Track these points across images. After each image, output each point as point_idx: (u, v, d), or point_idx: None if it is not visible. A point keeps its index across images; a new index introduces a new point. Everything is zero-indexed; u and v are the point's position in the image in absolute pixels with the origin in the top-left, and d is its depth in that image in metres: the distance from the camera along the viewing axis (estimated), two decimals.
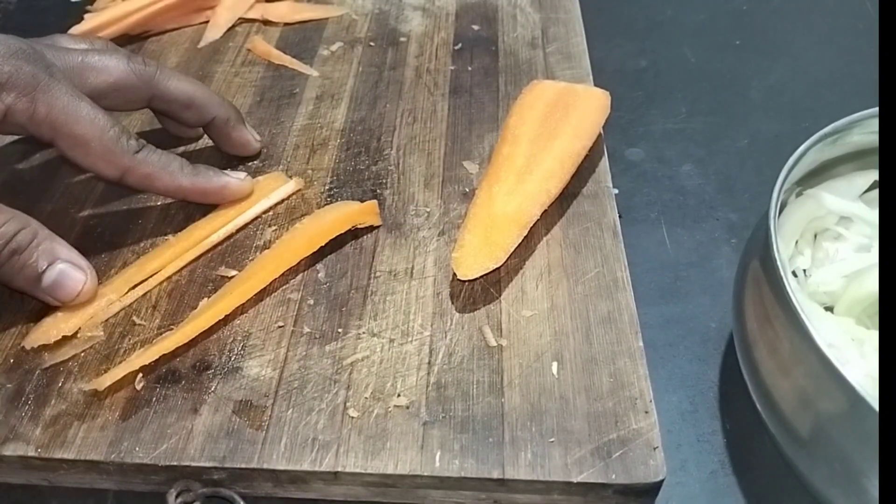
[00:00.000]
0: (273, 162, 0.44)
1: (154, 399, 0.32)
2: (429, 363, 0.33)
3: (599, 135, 0.42)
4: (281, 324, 0.35)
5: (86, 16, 0.54)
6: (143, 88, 0.39)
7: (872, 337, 0.31)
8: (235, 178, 0.40)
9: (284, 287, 0.37)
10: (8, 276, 0.34)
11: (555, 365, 0.33)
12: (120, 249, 0.39)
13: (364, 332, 0.34)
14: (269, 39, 0.54)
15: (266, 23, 0.55)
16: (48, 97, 0.34)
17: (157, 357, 0.33)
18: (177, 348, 0.33)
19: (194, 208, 0.40)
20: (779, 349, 0.29)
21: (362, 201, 0.40)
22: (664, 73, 0.54)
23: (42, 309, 0.36)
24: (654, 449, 0.30)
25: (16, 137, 0.45)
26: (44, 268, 0.34)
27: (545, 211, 0.38)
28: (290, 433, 0.31)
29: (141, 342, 0.34)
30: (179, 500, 0.30)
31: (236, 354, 0.34)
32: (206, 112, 0.41)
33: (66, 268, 0.34)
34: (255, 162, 0.44)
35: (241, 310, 0.35)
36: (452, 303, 0.35)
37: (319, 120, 0.47)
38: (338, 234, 0.38)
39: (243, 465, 0.30)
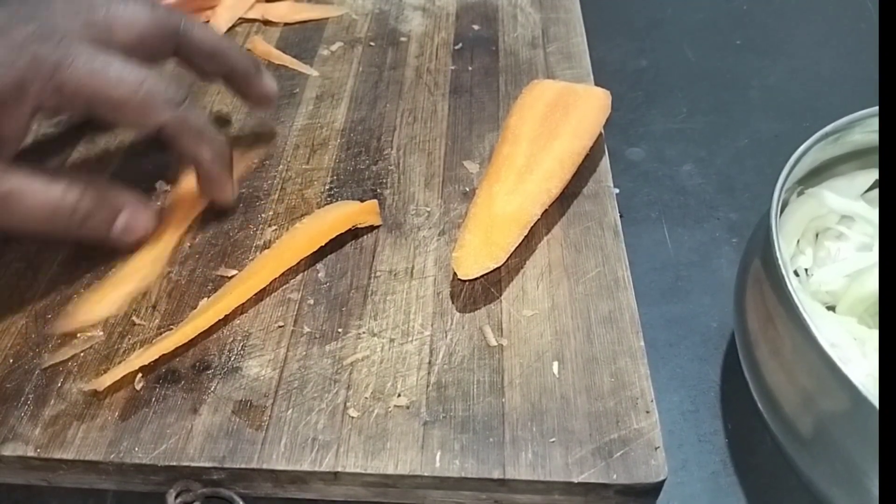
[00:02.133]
0: (273, 162, 0.44)
1: (153, 399, 0.32)
2: (429, 363, 0.33)
3: (600, 134, 0.42)
4: (281, 324, 0.35)
5: None
6: (169, 38, 0.38)
7: (874, 336, 0.31)
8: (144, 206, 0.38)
9: (284, 287, 0.36)
10: (80, 236, 0.35)
11: (556, 364, 0.33)
12: (120, 249, 0.39)
13: (364, 332, 0.34)
14: (269, 39, 0.53)
15: (266, 23, 0.55)
16: (72, 72, 0.32)
17: (156, 357, 0.33)
18: (176, 348, 0.33)
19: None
20: (780, 349, 0.28)
21: (362, 201, 0.40)
22: (664, 73, 0.54)
23: (42, 308, 0.35)
24: (656, 449, 0.29)
25: None
26: (112, 220, 0.36)
27: (546, 210, 0.38)
28: (290, 433, 0.31)
29: (141, 342, 0.34)
30: (179, 500, 0.30)
31: (236, 354, 0.34)
32: (229, 62, 0.41)
33: (131, 212, 0.36)
34: (255, 162, 0.44)
35: (241, 310, 0.35)
36: (453, 302, 0.35)
37: (319, 120, 0.47)
38: (338, 233, 0.38)
39: (243, 466, 0.30)
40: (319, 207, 0.40)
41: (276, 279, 0.37)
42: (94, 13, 0.35)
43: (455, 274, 0.35)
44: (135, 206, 0.37)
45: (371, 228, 0.39)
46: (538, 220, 0.37)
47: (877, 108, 0.33)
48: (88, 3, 0.36)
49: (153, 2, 0.38)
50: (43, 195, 0.33)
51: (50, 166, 0.42)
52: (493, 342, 0.34)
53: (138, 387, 0.32)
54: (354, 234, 0.39)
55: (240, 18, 0.55)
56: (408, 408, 0.31)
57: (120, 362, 0.33)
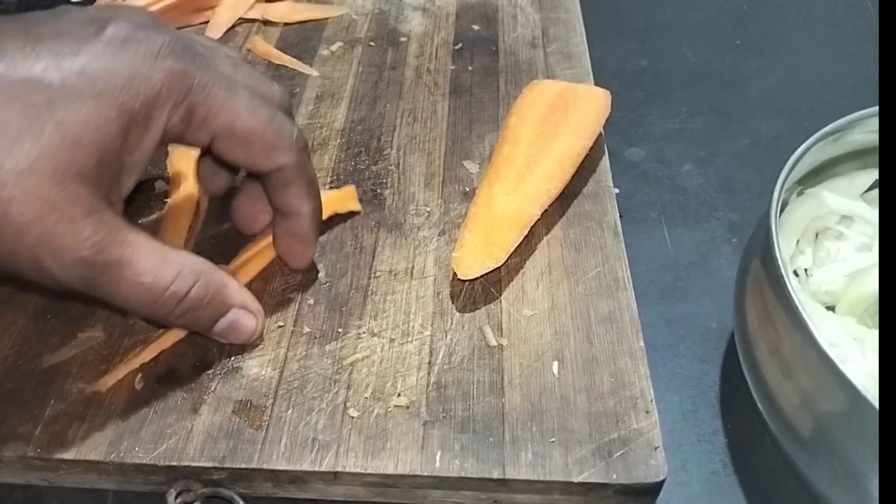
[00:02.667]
0: None
1: (154, 399, 0.32)
2: (429, 363, 0.33)
3: (600, 134, 0.42)
4: (281, 324, 0.35)
5: None
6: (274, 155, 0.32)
7: (874, 336, 0.31)
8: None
9: (284, 287, 0.37)
10: (179, 325, 0.33)
11: (555, 364, 0.33)
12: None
13: (364, 332, 0.34)
14: (269, 39, 0.53)
15: (266, 23, 0.55)
16: (205, 96, 0.29)
17: (156, 353, 0.33)
18: (175, 344, 0.33)
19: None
20: (780, 349, 0.28)
21: (362, 201, 0.40)
22: (664, 73, 0.54)
23: (42, 309, 0.36)
24: (655, 449, 0.30)
25: None
26: (218, 319, 0.32)
27: (546, 210, 0.38)
28: (290, 433, 0.31)
29: (141, 342, 0.34)
30: (179, 500, 0.30)
31: (236, 354, 0.34)
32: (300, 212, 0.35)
33: (237, 317, 0.32)
34: None
35: None
36: (453, 302, 0.35)
37: (319, 120, 0.47)
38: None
39: (243, 465, 0.30)
40: None
41: (276, 279, 0.37)
42: (230, 53, 0.32)
43: (455, 274, 0.35)
44: (244, 307, 0.33)
45: (371, 228, 0.39)
46: (538, 220, 0.37)
47: (877, 108, 0.33)
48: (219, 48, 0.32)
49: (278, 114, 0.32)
50: (151, 275, 0.28)
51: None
52: (493, 342, 0.34)
53: (138, 387, 0.32)
54: (354, 234, 0.39)
55: (240, 18, 0.55)
56: (408, 408, 0.31)
57: (120, 362, 0.33)
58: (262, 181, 0.34)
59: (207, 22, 0.55)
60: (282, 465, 0.30)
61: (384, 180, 0.42)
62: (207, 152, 0.33)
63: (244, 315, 0.33)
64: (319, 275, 0.37)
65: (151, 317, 0.31)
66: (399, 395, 0.32)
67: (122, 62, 0.27)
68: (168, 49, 0.28)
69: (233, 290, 0.32)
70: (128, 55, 0.27)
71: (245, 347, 0.34)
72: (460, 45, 0.52)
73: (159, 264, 0.29)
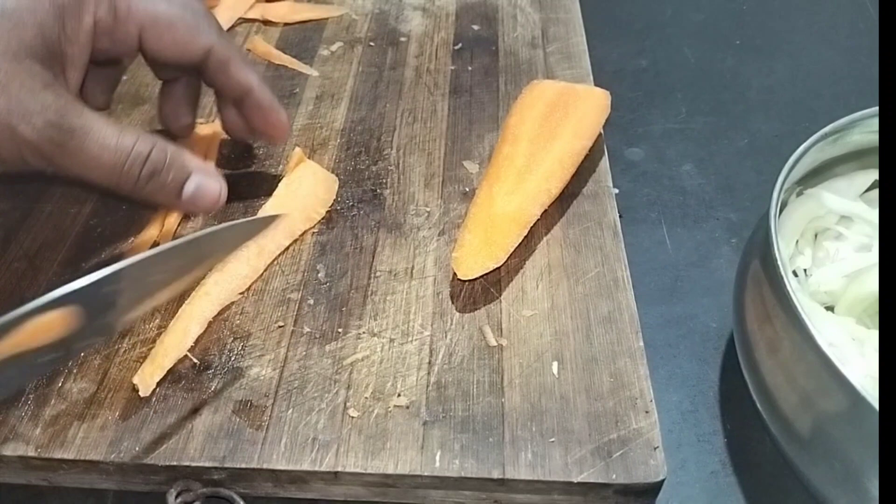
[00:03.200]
0: (273, 162, 0.44)
1: (154, 399, 0.32)
2: (429, 363, 0.33)
3: (599, 134, 0.42)
4: (281, 324, 0.35)
5: None
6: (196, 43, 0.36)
7: (873, 336, 0.31)
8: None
9: (284, 287, 0.37)
10: (149, 195, 0.34)
11: (555, 365, 0.33)
12: (120, 249, 0.39)
13: (364, 332, 0.34)
14: (269, 39, 0.53)
15: (266, 23, 0.55)
16: None
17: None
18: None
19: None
20: (779, 349, 0.29)
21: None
22: (664, 73, 0.54)
23: None
24: (655, 449, 0.30)
25: None
26: (182, 183, 0.34)
27: (545, 211, 0.38)
28: (290, 433, 0.31)
29: (141, 342, 0.34)
30: (179, 500, 0.30)
31: (236, 354, 0.34)
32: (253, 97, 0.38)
33: (201, 180, 0.34)
34: (255, 164, 0.44)
35: (241, 310, 0.35)
36: (453, 302, 0.35)
37: (319, 120, 0.47)
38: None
39: (243, 465, 0.30)
40: None
41: (276, 279, 0.37)
42: None
43: (455, 274, 0.35)
44: (207, 172, 0.34)
45: (371, 228, 0.39)
46: (538, 220, 0.37)
47: (877, 108, 0.33)
48: None
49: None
50: (114, 140, 0.31)
51: None
52: (493, 342, 0.34)
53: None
54: (354, 234, 0.39)
55: (240, 18, 0.55)
56: (408, 408, 0.31)
57: (120, 362, 0.33)
58: (203, 75, 0.37)
59: None
60: (282, 465, 0.30)
61: (384, 180, 0.42)
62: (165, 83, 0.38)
63: (207, 179, 0.34)
64: (319, 275, 0.37)
65: (120, 188, 0.32)
66: (399, 395, 0.32)
67: None
68: None
69: (190, 156, 0.34)
70: None
71: (245, 347, 0.34)
72: (460, 45, 0.52)
73: (119, 132, 0.31)
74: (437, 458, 0.30)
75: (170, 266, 0.29)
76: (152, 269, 0.28)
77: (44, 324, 0.25)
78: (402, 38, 0.53)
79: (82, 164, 0.31)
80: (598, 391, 0.32)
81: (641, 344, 0.33)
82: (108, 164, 0.31)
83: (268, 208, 0.40)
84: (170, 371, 0.33)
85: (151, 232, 0.39)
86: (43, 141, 0.30)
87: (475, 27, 0.54)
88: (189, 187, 0.34)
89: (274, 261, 0.38)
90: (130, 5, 0.34)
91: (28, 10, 0.30)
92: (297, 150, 0.41)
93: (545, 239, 0.38)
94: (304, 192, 0.40)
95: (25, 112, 0.29)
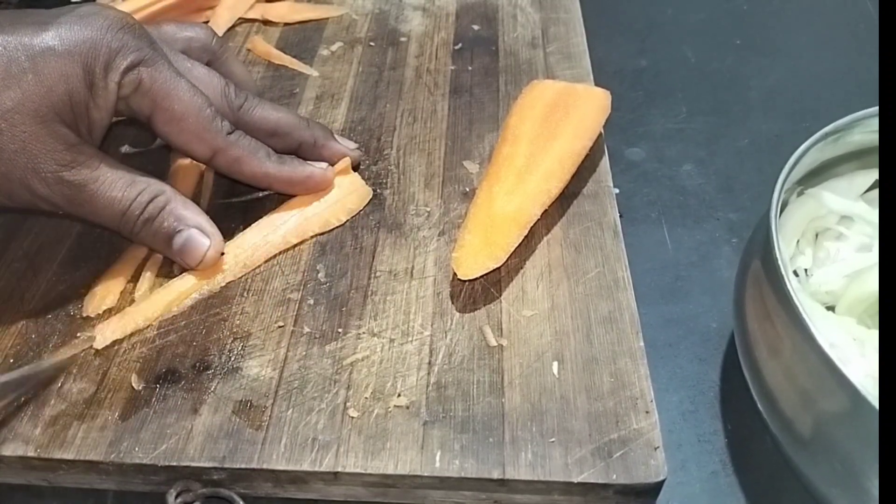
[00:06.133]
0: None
1: (154, 399, 0.32)
2: (429, 363, 0.33)
3: (600, 134, 0.42)
4: (281, 324, 0.35)
5: None
6: (228, 115, 0.38)
7: (874, 336, 0.31)
8: (319, 169, 0.40)
9: (285, 287, 0.37)
10: (143, 241, 0.36)
11: (555, 365, 0.33)
12: (120, 249, 0.39)
13: (364, 332, 0.34)
14: (269, 39, 0.53)
15: (266, 23, 0.55)
16: (152, 70, 0.34)
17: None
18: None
19: None
20: (780, 349, 0.28)
21: None
22: (664, 73, 0.54)
23: (42, 309, 0.36)
24: (655, 449, 0.30)
25: None
26: (173, 234, 0.36)
27: (545, 211, 0.38)
28: (290, 433, 0.31)
29: (141, 342, 0.34)
30: (179, 500, 0.30)
31: (236, 354, 0.34)
32: (292, 139, 0.40)
33: (192, 234, 0.36)
34: None
35: (241, 310, 0.35)
36: (453, 303, 0.35)
37: (319, 120, 0.46)
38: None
39: (243, 466, 0.30)
40: None
41: (276, 279, 0.37)
42: (176, 64, 0.36)
43: (455, 274, 0.35)
44: (199, 228, 0.36)
45: (371, 228, 0.39)
46: (538, 220, 0.37)
47: (877, 108, 0.33)
48: (171, 57, 0.37)
49: (225, 80, 0.39)
50: (121, 192, 0.34)
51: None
52: (493, 342, 0.34)
53: (138, 387, 0.32)
54: (354, 234, 0.39)
55: (240, 18, 0.55)
56: (408, 408, 0.31)
57: (120, 362, 0.33)
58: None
59: (207, 22, 0.55)
60: (282, 466, 0.30)
61: (384, 180, 0.42)
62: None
63: (198, 234, 0.36)
64: (319, 275, 0.37)
65: (121, 231, 0.35)
66: (399, 395, 0.32)
67: (90, 30, 0.33)
68: (129, 28, 0.34)
69: (192, 212, 0.36)
70: (95, 25, 0.33)
71: (245, 347, 0.34)
72: (460, 45, 0.52)
73: (128, 184, 0.34)
74: (437, 458, 0.30)
75: None
76: None
77: None
78: (402, 38, 0.53)
79: (88, 212, 0.34)
80: (599, 391, 0.32)
81: (642, 344, 0.33)
82: (111, 214, 0.34)
83: (293, 203, 0.40)
84: (170, 371, 0.33)
85: None
86: (55, 195, 0.33)
87: (475, 27, 0.54)
88: (178, 240, 0.36)
89: (273, 259, 0.38)
90: (153, 86, 0.35)
91: (61, 76, 0.32)
92: (347, 159, 0.41)
93: (545, 239, 0.38)
94: (333, 199, 0.40)
95: (41, 171, 0.32)
